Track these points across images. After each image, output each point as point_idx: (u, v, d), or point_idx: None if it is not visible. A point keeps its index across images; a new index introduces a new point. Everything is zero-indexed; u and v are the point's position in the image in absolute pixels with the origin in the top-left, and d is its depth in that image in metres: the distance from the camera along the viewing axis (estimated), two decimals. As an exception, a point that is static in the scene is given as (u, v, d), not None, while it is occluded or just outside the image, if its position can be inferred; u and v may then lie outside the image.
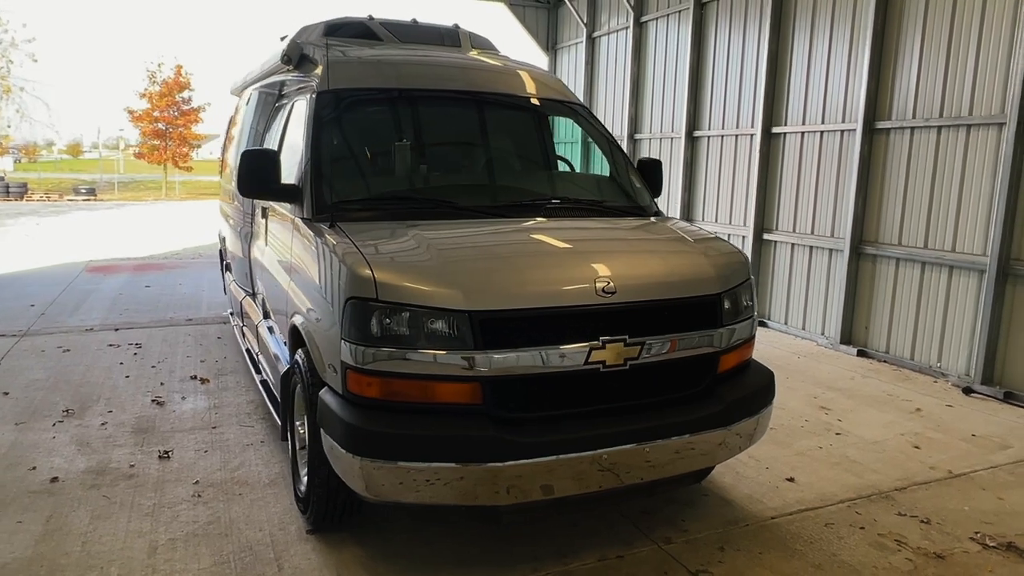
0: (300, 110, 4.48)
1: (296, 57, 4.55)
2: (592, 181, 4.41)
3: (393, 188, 3.89)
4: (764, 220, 8.59)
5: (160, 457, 4.33)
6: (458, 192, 3.90)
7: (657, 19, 10.40)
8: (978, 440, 5.01)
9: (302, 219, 3.63)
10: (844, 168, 7.50)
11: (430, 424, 2.85)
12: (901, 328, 6.98)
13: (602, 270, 3.13)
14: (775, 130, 8.35)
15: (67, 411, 5.06)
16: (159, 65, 43.34)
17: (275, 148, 4.67)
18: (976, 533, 3.69)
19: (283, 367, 4.09)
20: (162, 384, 5.73)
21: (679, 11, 9.88)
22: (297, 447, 3.78)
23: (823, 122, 7.73)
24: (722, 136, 9.25)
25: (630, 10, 10.73)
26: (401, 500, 2.91)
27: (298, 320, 3.56)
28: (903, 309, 6.95)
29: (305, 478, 3.55)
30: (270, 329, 4.68)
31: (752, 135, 8.65)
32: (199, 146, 45.84)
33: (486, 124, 4.37)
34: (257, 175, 3.80)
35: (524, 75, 4.73)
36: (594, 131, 4.61)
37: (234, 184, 4.59)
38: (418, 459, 2.81)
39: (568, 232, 3.57)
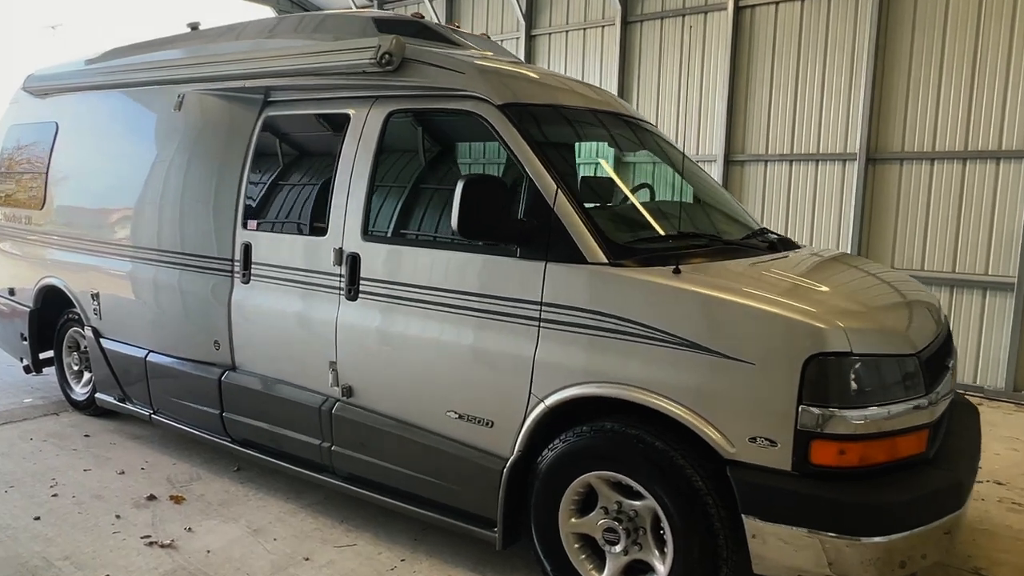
0: (443, 126, 3.60)
1: (399, 59, 3.56)
2: (729, 207, 4.29)
3: (660, 223, 3.34)
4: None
5: (312, 618, 2.99)
6: (710, 224, 3.53)
7: (473, 45, 10.39)
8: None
9: (592, 264, 2.90)
10: (701, 194, 8.55)
11: (911, 484, 2.60)
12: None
13: (929, 303, 3.25)
14: (625, 159, 9.07)
15: (33, 594, 3.12)
16: None
17: (335, 175, 3.68)
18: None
19: (475, 456, 3.22)
20: (118, 517, 3.85)
21: (515, 38, 10.05)
22: (577, 551, 3.02)
23: (676, 153, 8.69)
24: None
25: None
26: None
27: (603, 391, 2.85)
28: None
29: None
30: (360, 411, 3.59)
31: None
32: None
33: (647, 148, 3.99)
34: (486, 212, 2.95)
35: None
36: (676, 153, 4.49)
37: (357, 225, 3.50)
38: (915, 525, 2.54)
39: (854, 266, 3.55)
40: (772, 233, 3.85)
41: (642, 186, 3.81)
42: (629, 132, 3.91)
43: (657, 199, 3.79)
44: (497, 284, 3.16)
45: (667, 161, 3.95)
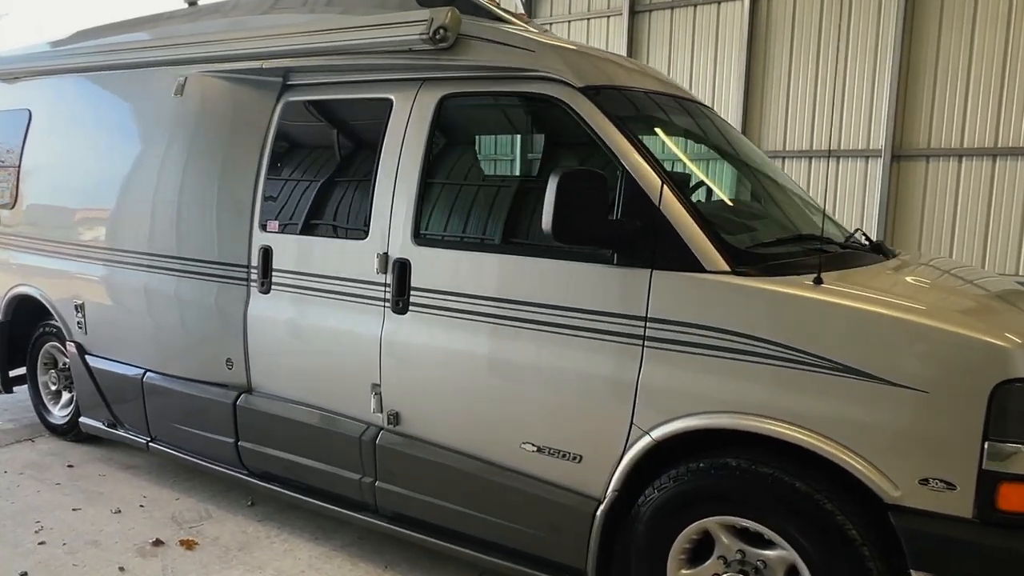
0: (508, 112, 3.15)
1: (455, 35, 3.08)
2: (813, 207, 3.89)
3: (770, 224, 2.93)
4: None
5: None
6: (811, 226, 3.12)
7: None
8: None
9: (711, 273, 2.47)
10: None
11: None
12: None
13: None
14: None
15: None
16: None
17: (375, 170, 3.22)
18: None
19: (570, 498, 2.76)
20: (122, 570, 3.28)
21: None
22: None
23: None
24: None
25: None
26: None
27: (732, 422, 2.43)
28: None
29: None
30: (410, 442, 3.12)
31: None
32: None
33: (724, 139, 3.56)
34: (586, 212, 2.51)
35: None
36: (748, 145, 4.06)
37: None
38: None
39: (971, 277, 3.17)
40: (863, 234, 3.47)
41: (727, 182, 3.40)
42: (704, 121, 3.49)
43: (746, 195, 3.37)
44: (588, 296, 2.71)
45: (745, 154, 3.54)
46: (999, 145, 6.63)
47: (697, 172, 2.99)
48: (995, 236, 6.70)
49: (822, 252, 2.50)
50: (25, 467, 4.44)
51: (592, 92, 2.84)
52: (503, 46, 3.03)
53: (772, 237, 2.85)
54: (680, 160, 2.91)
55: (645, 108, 3.07)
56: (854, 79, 7.27)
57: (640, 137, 2.76)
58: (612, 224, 2.59)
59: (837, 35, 7.30)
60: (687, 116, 3.40)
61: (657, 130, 2.98)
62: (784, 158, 7.77)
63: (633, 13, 8.41)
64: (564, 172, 2.49)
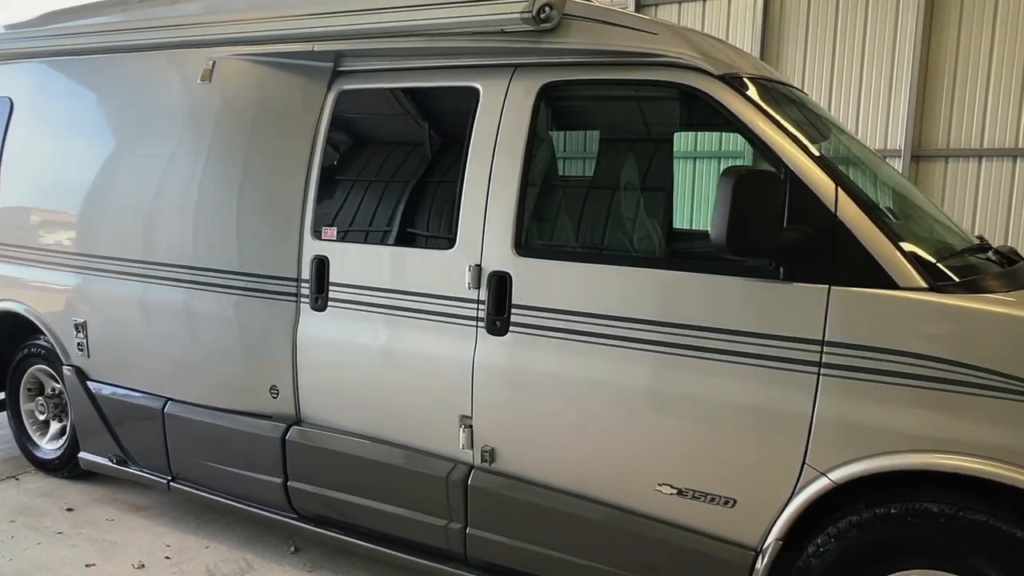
0: (625, 102, 2.76)
1: (559, 14, 2.68)
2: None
3: (943, 233, 2.61)
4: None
5: None
6: (959, 234, 2.82)
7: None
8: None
9: (907, 291, 2.13)
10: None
11: None
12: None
13: None
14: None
15: None
16: None
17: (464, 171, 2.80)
18: None
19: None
20: (164, 642, 2.78)
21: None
22: None
23: (696, 148, 8.09)
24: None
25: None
26: None
27: (942, 462, 2.10)
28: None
29: None
30: (511, 483, 2.72)
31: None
32: None
33: (846, 136, 3.23)
34: (763, 219, 2.16)
35: None
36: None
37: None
38: None
39: None
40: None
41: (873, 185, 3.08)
42: (824, 116, 3.17)
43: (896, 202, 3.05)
44: (746, 316, 2.35)
45: (869, 153, 3.24)
46: (1020, 146, 6.59)
47: (853, 174, 2.66)
48: (1016, 239, 6.65)
49: (979, 263, 2.21)
50: (16, 512, 3.82)
51: (734, 82, 2.49)
52: (617, 27, 2.65)
53: (951, 249, 2.54)
54: (836, 160, 2.57)
55: (784, 101, 2.72)
56: (871, 78, 7.13)
57: (800, 134, 2.42)
58: (787, 234, 2.23)
59: (854, 32, 7.15)
60: (813, 110, 3.07)
61: (805, 127, 2.63)
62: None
63: (639, 7, 8.11)
64: (740, 174, 2.13)
